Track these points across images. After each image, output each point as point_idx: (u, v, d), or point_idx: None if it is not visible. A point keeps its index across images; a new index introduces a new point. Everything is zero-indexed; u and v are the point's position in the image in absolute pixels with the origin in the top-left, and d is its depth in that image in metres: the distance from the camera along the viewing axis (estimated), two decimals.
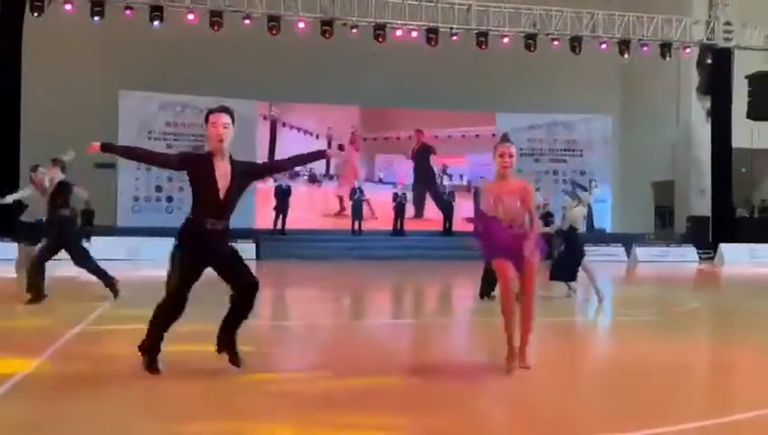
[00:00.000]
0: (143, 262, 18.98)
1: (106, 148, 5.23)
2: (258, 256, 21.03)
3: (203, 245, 5.00)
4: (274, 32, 20.65)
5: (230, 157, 5.23)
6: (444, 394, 4.78)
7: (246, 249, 21.06)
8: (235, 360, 5.19)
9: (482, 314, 9.20)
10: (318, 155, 5.74)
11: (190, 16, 20.35)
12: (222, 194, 5.07)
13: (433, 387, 4.99)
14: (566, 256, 10.20)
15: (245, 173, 5.27)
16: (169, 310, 5.04)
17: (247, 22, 20.70)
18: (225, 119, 5.22)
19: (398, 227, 23.58)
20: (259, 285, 5.21)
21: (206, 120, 5.22)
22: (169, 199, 23.47)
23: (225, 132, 5.18)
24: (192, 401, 4.54)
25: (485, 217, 5.37)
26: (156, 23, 20.00)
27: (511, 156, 5.44)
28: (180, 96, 23.40)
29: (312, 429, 3.95)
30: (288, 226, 22.68)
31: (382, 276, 15.77)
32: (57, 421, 4.04)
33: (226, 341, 5.21)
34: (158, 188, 23.39)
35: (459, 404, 4.57)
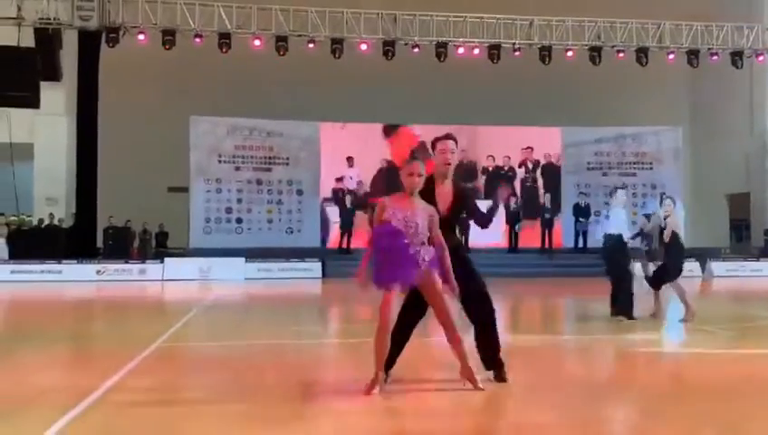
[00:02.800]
0: (214, 282, 19.49)
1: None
2: (324, 275, 21.29)
3: None
4: (337, 54, 21.01)
5: (453, 180, 5.51)
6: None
7: (312, 268, 21.40)
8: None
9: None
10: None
11: (256, 42, 20.91)
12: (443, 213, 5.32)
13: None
14: (668, 263, 9.82)
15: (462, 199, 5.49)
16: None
17: (311, 45, 21.13)
18: (452, 145, 5.49)
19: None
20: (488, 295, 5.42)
21: (434, 147, 5.50)
22: (239, 221, 24.00)
23: (453, 157, 5.48)
24: None
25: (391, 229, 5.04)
26: (224, 49, 20.62)
27: (420, 175, 5.09)
28: (248, 120, 23.99)
29: None
30: (354, 244, 22.84)
31: None
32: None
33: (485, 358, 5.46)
34: (228, 210, 23.96)
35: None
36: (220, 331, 9.33)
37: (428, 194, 5.26)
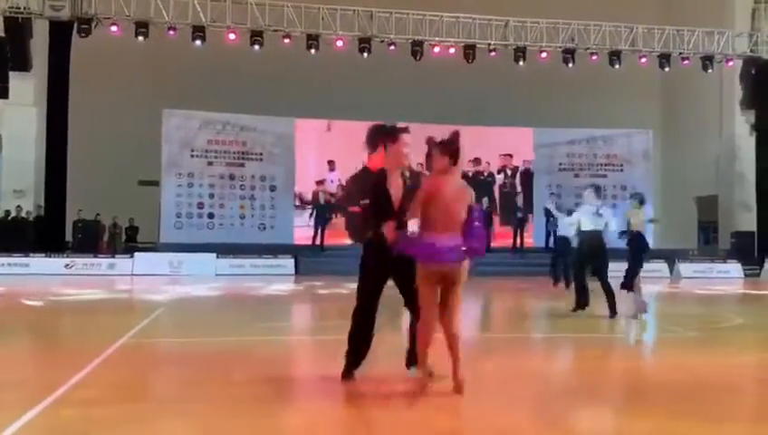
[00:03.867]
0: (185, 277, 19.33)
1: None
2: (297, 271, 21.22)
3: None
4: (313, 50, 20.93)
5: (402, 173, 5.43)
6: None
7: (285, 265, 21.32)
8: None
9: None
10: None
11: (231, 36, 20.77)
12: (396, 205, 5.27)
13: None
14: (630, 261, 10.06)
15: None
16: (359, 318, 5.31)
17: (287, 41, 21.03)
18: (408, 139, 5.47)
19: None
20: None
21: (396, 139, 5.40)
22: (211, 216, 23.83)
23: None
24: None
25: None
26: (198, 42, 20.43)
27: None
28: (221, 114, 23.82)
29: None
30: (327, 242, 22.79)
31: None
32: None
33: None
34: (200, 205, 23.78)
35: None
36: (189, 327, 9.26)
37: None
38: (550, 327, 10.04)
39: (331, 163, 24.59)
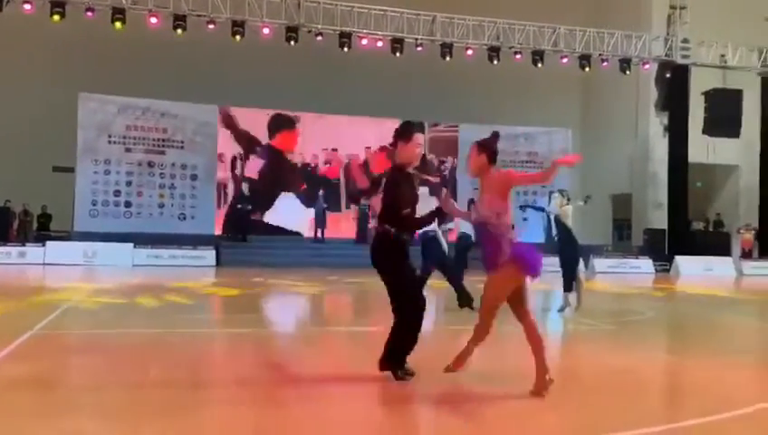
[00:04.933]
0: (100, 267, 18.69)
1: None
2: (218, 263, 20.85)
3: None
4: (238, 37, 20.53)
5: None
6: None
7: (206, 256, 20.91)
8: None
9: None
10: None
11: (153, 20, 20.11)
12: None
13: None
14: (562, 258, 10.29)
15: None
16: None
17: (211, 26, 20.54)
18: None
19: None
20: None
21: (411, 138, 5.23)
22: (128, 205, 23.12)
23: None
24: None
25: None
26: (117, 24, 19.70)
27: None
28: (141, 99, 23.10)
29: None
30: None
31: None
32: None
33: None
34: (117, 193, 23.04)
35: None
36: (102, 319, 8.94)
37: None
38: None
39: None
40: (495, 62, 22.56)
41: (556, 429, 4.38)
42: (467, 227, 10.75)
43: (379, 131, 24.14)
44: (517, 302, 4.95)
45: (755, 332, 9.85)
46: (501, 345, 6.40)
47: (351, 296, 13.64)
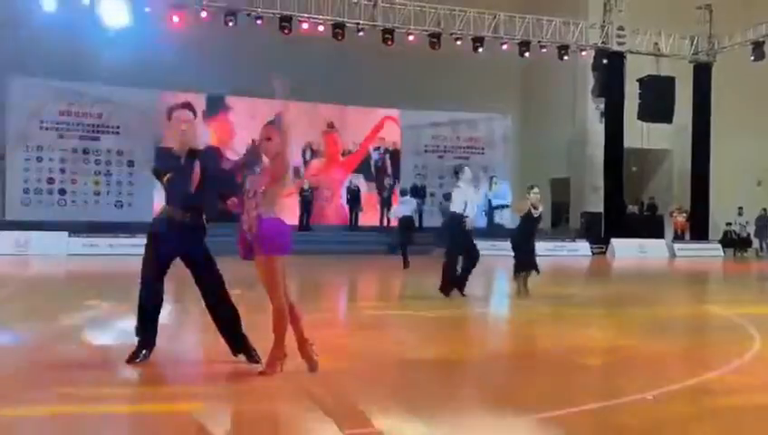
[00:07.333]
0: (33, 257, 18.12)
1: None
2: None
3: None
4: (177, 19, 20.05)
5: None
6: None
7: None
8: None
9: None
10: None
11: (86, 1, 19.46)
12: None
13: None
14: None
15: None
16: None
17: (147, 10, 20.00)
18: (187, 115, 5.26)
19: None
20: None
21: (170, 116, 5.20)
22: (62, 192, 22.44)
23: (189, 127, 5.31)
24: None
25: None
26: (51, 3, 18.97)
27: (268, 139, 5.29)
28: (75, 83, 22.36)
29: None
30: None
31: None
32: None
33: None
34: (50, 181, 22.33)
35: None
36: (19, 311, 8.66)
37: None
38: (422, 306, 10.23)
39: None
40: (436, 48, 22.63)
41: (497, 409, 4.46)
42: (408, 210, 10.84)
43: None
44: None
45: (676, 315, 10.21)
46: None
47: None
